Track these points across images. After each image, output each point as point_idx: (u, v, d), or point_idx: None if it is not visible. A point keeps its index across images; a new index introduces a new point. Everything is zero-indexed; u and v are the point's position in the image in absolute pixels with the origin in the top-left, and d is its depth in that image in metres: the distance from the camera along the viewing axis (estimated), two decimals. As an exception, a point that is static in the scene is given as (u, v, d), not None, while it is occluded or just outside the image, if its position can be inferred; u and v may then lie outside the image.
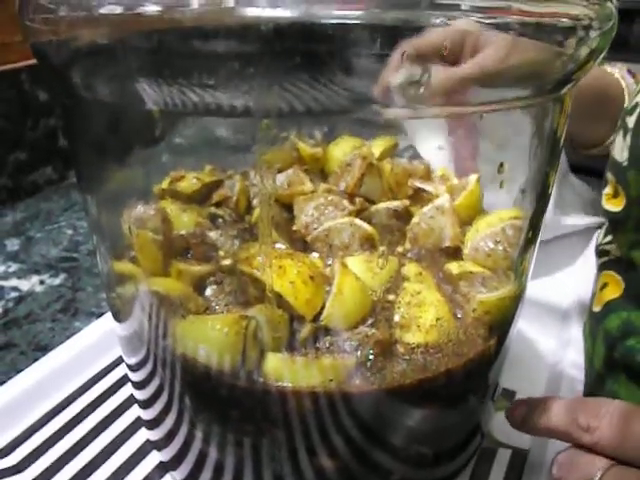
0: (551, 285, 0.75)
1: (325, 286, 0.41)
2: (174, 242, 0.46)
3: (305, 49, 0.27)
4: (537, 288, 0.72)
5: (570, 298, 0.73)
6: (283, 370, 0.36)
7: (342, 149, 0.58)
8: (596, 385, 0.57)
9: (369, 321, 0.40)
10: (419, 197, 0.52)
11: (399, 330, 0.39)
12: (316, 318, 0.39)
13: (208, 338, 0.36)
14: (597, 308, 0.61)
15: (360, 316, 0.40)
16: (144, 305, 0.41)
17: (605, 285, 0.62)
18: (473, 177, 0.52)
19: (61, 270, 0.79)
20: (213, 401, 0.39)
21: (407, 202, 0.51)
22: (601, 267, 0.64)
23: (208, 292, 0.41)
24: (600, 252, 0.65)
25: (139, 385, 0.48)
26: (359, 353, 0.37)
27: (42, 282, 0.77)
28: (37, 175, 0.99)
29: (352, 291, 0.40)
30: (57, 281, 0.77)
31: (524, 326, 0.67)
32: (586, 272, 0.75)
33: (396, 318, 0.40)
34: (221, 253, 0.46)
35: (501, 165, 0.42)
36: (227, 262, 0.44)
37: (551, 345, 0.67)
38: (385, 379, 0.36)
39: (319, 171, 0.58)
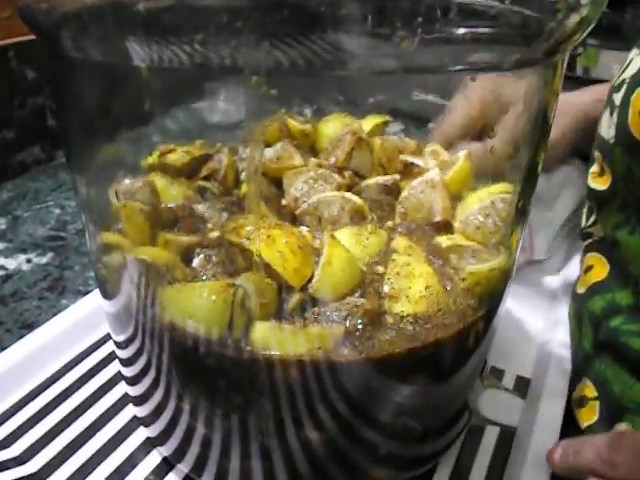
0: (540, 266, 0.74)
1: (314, 257, 0.40)
2: (162, 214, 0.46)
3: (295, 3, 0.26)
4: (526, 269, 0.73)
5: (558, 279, 0.73)
6: (271, 338, 0.35)
7: (332, 126, 0.58)
8: (584, 367, 0.57)
9: (358, 292, 0.40)
10: (409, 172, 0.52)
11: (388, 301, 0.39)
12: (304, 288, 0.39)
13: (195, 306, 0.36)
14: (581, 290, 0.61)
15: (349, 287, 0.40)
16: (131, 275, 0.40)
17: (590, 267, 0.62)
18: (463, 152, 0.52)
19: (48, 249, 0.78)
20: (201, 372, 0.39)
21: (397, 177, 0.51)
22: (585, 250, 0.64)
23: (195, 263, 0.41)
24: (584, 235, 0.65)
25: (127, 362, 0.47)
26: (348, 323, 0.37)
27: (29, 261, 0.76)
28: (25, 154, 0.98)
29: (341, 262, 0.40)
30: (44, 260, 0.76)
31: (513, 306, 0.67)
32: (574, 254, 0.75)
33: (385, 289, 0.40)
34: (209, 226, 0.46)
35: (492, 130, 0.42)
36: (215, 234, 0.43)
37: (539, 325, 0.67)
38: (374, 348, 0.36)
39: (309, 148, 0.58)
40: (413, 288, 0.39)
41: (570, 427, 0.54)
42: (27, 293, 0.70)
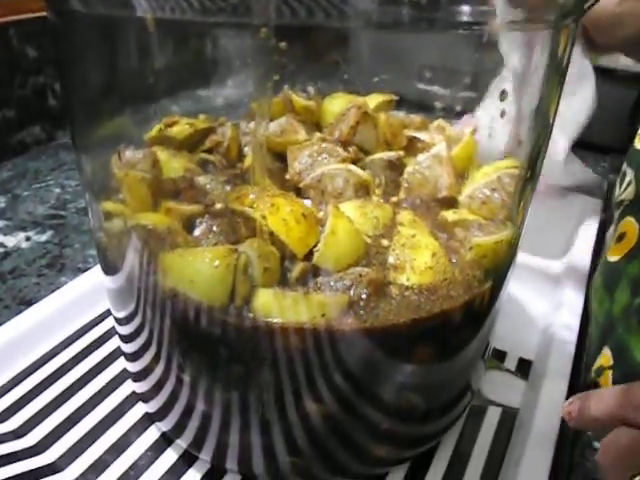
0: (544, 250, 0.74)
1: (318, 227, 0.40)
2: (163, 185, 0.45)
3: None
4: (530, 252, 0.72)
5: (563, 263, 0.72)
6: (274, 306, 0.35)
7: (337, 104, 0.57)
8: (606, 335, 0.57)
9: (362, 264, 0.39)
10: (414, 148, 0.51)
11: (393, 272, 0.38)
12: (308, 258, 0.38)
13: (197, 271, 0.35)
14: (614, 258, 0.61)
15: (353, 259, 0.39)
16: (133, 243, 0.39)
17: (623, 235, 0.61)
18: (468, 129, 0.51)
19: (48, 227, 0.78)
20: (202, 342, 0.38)
21: (402, 153, 0.50)
22: (619, 218, 0.63)
23: (197, 232, 0.40)
24: (617, 204, 0.64)
25: (127, 337, 0.47)
26: (352, 292, 0.36)
27: (28, 238, 0.75)
28: (25, 134, 0.97)
29: (345, 233, 0.39)
30: (43, 237, 0.76)
31: (516, 289, 0.67)
32: (580, 238, 0.74)
33: (390, 260, 0.39)
34: (211, 198, 0.45)
35: (502, 92, 0.41)
36: (218, 205, 0.43)
37: (543, 308, 0.66)
38: (378, 318, 0.35)
39: (313, 125, 0.57)
40: (418, 259, 0.38)
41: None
42: (26, 270, 0.70)
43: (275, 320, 0.35)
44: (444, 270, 0.38)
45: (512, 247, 0.43)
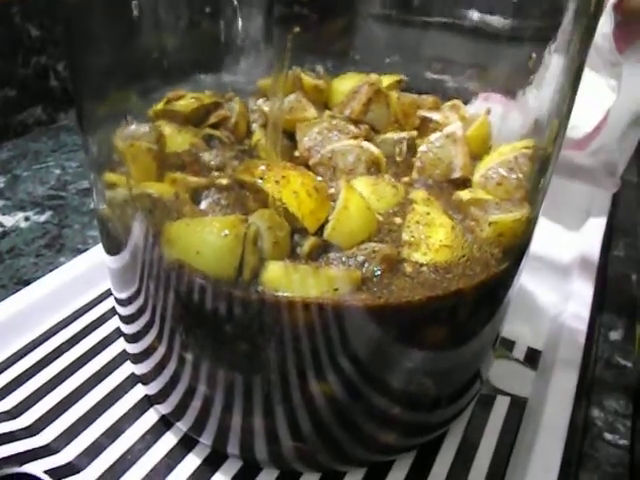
0: (552, 240, 0.73)
1: (329, 202, 0.38)
2: (168, 158, 0.43)
3: None
4: (538, 243, 0.71)
5: (571, 254, 0.71)
6: (284, 279, 0.33)
7: (348, 84, 0.55)
8: None
9: (374, 241, 0.38)
10: (427, 128, 0.50)
11: (407, 248, 0.37)
12: (318, 234, 0.37)
13: (205, 241, 0.33)
14: None
15: (365, 235, 0.38)
16: (137, 215, 0.38)
17: None
18: (482, 110, 0.50)
19: (47, 208, 0.76)
20: (207, 318, 0.37)
21: (415, 133, 0.49)
22: None
23: (204, 205, 0.39)
24: None
25: (128, 318, 0.45)
26: (365, 269, 0.35)
27: (27, 219, 0.74)
28: (26, 115, 0.95)
29: (358, 208, 0.37)
30: (43, 218, 0.74)
31: (525, 279, 0.65)
32: (589, 229, 0.73)
33: (404, 237, 0.37)
34: (217, 174, 0.43)
35: (530, 57, 0.40)
36: (224, 181, 0.41)
37: (551, 298, 0.65)
38: (392, 294, 0.34)
39: (322, 105, 0.56)
40: (434, 237, 0.37)
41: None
42: (24, 250, 0.68)
43: (285, 294, 0.33)
44: (461, 247, 0.36)
45: (529, 227, 0.41)
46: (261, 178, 0.36)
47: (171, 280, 0.36)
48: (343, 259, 0.35)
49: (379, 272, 0.35)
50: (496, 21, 0.49)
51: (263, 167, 0.37)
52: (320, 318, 0.34)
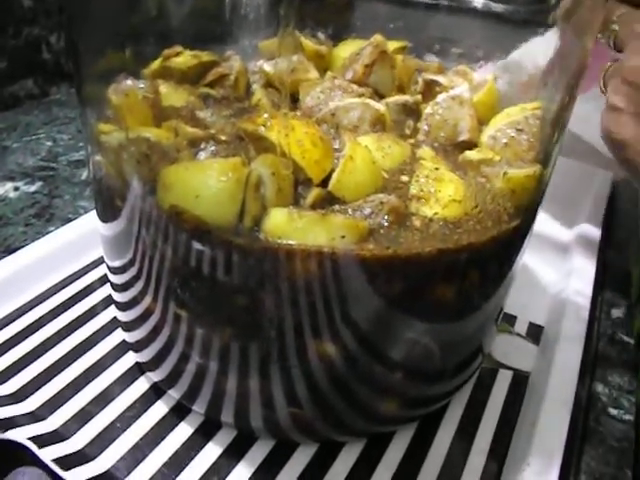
0: (552, 219, 0.72)
1: (334, 155, 0.36)
2: (165, 111, 0.42)
3: None
4: (538, 221, 0.69)
5: (572, 232, 0.70)
6: (288, 226, 0.31)
7: (349, 50, 0.54)
8: None
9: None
10: (432, 93, 0.48)
11: (415, 202, 0.35)
12: (323, 185, 0.35)
13: (204, 185, 0.31)
14: None
15: (371, 190, 0.36)
16: (132, 160, 0.36)
17: None
18: (489, 76, 0.48)
19: (37, 178, 0.74)
20: (204, 271, 0.35)
21: (419, 97, 0.47)
22: None
23: (202, 156, 0.37)
24: None
25: (121, 275, 0.43)
26: (372, 220, 0.33)
27: (17, 189, 0.72)
28: (17, 87, 0.93)
29: (363, 161, 0.36)
30: (33, 188, 0.72)
31: (525, 256, 0.64)
32: (591, 209, 0.72)
33: (413, 191, 0.36)
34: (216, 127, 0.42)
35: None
36: (224, 134, 0.39)
37: (552, 275, 0.64)
38: (401, 246, 0.32)
39: (323, 71, 0.54)
40: (443, 191, 0.35)
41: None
42: (12, 219, 0.66)
43: (288, 242, 0.31)
44: (474, 198, 0.35)
45: (541, 186, 0.40)
46: (264, 126, 0.35)
47: (169, 230, 0.34)
48: (349, 211, 0.34)
49: (387, 224, 0.33)
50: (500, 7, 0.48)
51: (266, 115, 0.35)
52: (324, 270, 0.32)
